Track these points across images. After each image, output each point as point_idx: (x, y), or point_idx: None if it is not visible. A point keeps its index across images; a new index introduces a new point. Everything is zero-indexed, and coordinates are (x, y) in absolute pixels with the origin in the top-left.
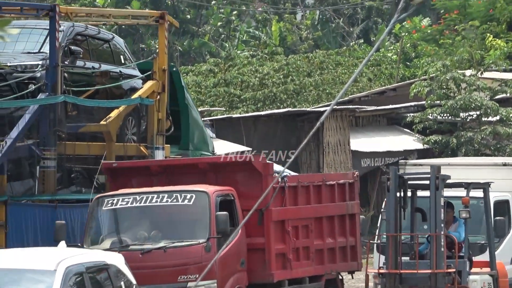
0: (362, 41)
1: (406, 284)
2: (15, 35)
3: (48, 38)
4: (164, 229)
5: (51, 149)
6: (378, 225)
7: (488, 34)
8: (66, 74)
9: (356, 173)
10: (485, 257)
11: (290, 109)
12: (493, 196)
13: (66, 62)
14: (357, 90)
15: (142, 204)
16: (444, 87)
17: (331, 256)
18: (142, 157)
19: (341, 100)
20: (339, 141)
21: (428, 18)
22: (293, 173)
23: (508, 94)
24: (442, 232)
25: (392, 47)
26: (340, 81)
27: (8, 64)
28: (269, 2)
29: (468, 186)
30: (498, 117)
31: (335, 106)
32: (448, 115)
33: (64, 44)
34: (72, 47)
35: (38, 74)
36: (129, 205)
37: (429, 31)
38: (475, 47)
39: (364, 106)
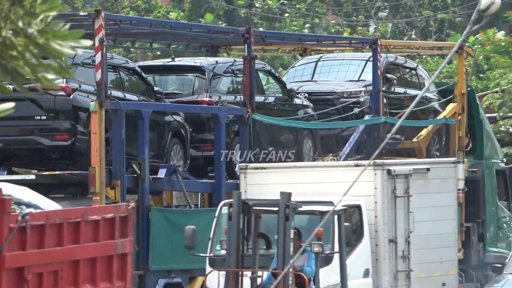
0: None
1: None
2: (335, 65)
3: (365, 67)
4: None
5: None
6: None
7: None
8: (384, 99)
9: (132, 204)
10: (331, 268)
11: None
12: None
13: (383, 88)
14: None
15: None
16: None
17: None
18: None
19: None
20: None
21: (502, 31)
22: (55, 207)
23: None
24: (291, 270)
25: (467, 58)
26: None
27: (336, 91)
28: (342, 15)
29: (322, 215)
30: None
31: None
32: None
33: (381, 72)
34: (388, 75)
35: (362, 99)
36: None
37: (502, 44)
38: None
39: None
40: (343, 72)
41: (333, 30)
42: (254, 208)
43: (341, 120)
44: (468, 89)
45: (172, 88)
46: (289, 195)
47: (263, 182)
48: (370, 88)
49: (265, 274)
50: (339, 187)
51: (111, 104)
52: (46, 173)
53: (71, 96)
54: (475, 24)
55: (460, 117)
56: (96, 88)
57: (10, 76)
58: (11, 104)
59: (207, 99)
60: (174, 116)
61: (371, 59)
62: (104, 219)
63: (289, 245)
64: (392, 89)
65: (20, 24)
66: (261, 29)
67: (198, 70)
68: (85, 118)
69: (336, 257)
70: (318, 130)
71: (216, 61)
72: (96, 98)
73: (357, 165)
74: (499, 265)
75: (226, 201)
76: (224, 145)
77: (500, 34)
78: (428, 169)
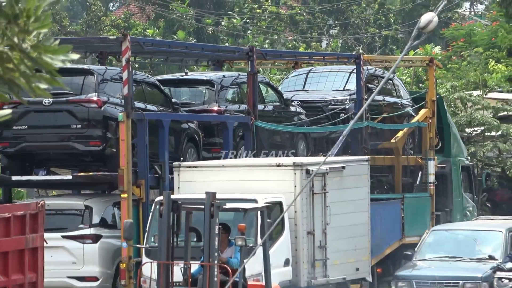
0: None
1: None
2: (323, 77)
3: (349, 78)
4: None
5: None
6: (147, 230)
7: (490, 60)
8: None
9: (42, 202)
10: (255, 259)
11: None
12: (264, 198)
13: (365, 97)
14: None
15: None
16: (452, 105)
17: None
18: (419, 167)
19: None
20: None
21: (438, 46)
22: None
23: (507, 112)
24: (216, 262)
25: (406, 71)
26: None
27: (325, 99)
28: (297, 32)
29: (245, 212)
30: (500, 133)
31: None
32: None
33: (363, 83)
34: (369, 85)
35: (347, 106)
36: None
37: (439, 57)
38: (479, 71)
39: None
40: (330, 83)
41: (290, 45)
42: (183, 206)
43: (330, 124)
44: (437, 96)
45: (185, 98)
46: (213, 194)
47: (195, 180)
48: (354, 96)
49: (196, 265)
50: (262, 185)
51: (137, 115)
52: (81, 174)
53: (102, 108)
54: (415, 40)
55: (430, 120)
56: (122, 100)
57: (7, 86)
58: (8, 111)
59: (216, 108)
60: (189, 123)
61: (354, 71)
62: (15, 216)
63: (215, 239)
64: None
65: (16, 40)
66: (226, 44)
67: (208, 83)
68: (114, 127)
69: (260, 249)
70: (310, 133)
71: (223, 75)
72: (124, 109)
73: (278, 165)
74: (409, 253)
75: (159, 198)
76: (231, 148)
77: (437, 49)
78: (343, 167)
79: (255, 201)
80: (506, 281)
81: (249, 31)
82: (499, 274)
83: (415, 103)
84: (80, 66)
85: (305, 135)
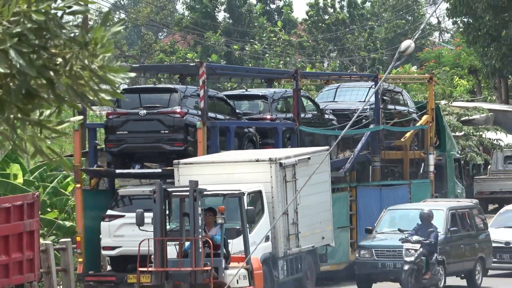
0: None
1: (172, 280)
2: (349, 91)
3: (368, 92)
4: None
5: (377, 156)
6: None
7: (455, 76)
8: (382, 113)
9: (37, 193)
10: (241, 239)
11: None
12: (247, 188)
13: (381, 106)
14: None
15: None
16: None
17: (4, 272)
18: (422, 160)
19: None
20: None
21: (415, 66)
22: None
23: (468, 117)
24: (200, 236)
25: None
26: None
27: (350, 108)
28: (305, 55)
29: (224, 196)
30: (462, 133)
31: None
32: None
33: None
34: (384, 97)
35: (367, 114)
36: None
37: (415, 74)
38: (446, 85)
39: None
40: (354, 95)
41: (299, 66)
42: (173, 194)
43: (355, 128)
44: (436, 105)
45: (245, 109)
46: (196, 182)
47: (191, 174)
48: (373, 106)
49: (187, 242)
50: (245, 177)
51: (210, 123)
52: (168, 168)
53: (184, 118)
54: (397, 61)
55: (431, 124)
56: (199, 112)
57: (79, 98)
58: (80, 117)
59: (269, 116)
60: (248, 128)
61: (372, 86)
62: (14, 205)
63: (198, 218)
64: (387, 107)
65: (86, 62)
66: (250, 65)
67: (262, 97)
68: (193, 132)
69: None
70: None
71: (274, 91)
72: (200, 119)
73: (257, 160)
74: (370, 228)
75: (153, 188)
76: (281, 147)
77: (413, 68)
78: (309, 158)
79: (240, 191)
80: (413, 251)
81: (267, 55)
82: (406, 245)
83: (418, 111)
84: (168, 85)
85: (336, 136)
